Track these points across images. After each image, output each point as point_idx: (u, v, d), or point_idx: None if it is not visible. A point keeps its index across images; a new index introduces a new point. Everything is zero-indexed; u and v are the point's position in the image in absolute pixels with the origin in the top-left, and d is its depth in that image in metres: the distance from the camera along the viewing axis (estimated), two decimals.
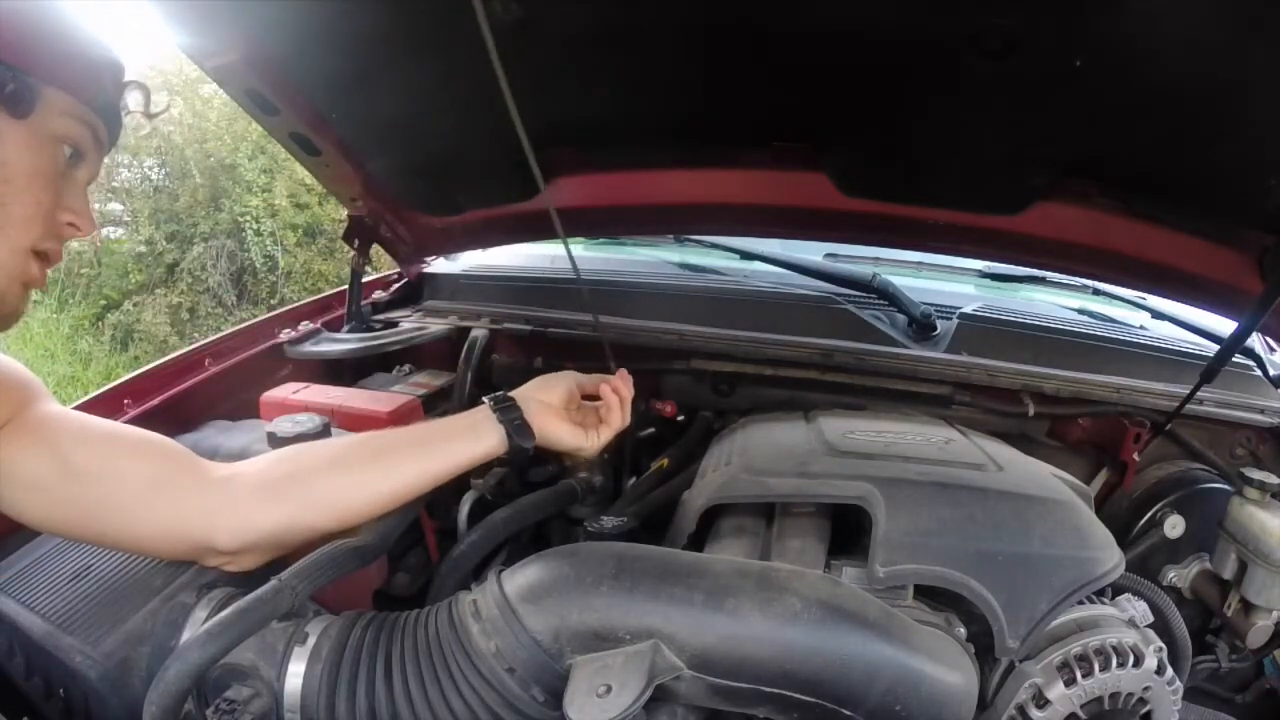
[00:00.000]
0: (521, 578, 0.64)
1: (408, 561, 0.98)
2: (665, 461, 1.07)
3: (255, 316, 1.43)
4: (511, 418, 0.79)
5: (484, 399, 0.81)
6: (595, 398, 0.87)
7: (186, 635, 0.64)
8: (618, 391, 0.85)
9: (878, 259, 1.53)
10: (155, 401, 1.05)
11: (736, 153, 1.16)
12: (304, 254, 6.46)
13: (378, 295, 1.50)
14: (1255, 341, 1.29)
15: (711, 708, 0.61)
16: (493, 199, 1.33)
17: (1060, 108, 0.86)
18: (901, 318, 1.28)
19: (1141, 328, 1.38)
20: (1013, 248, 1.15)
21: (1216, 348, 1.06)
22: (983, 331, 1.23)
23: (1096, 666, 0.69)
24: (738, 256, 1.46)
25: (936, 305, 1.29)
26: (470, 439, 0.78)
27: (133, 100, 0.73)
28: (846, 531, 0.78)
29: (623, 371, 0.87)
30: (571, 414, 0.84)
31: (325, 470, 0.73)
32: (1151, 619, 0.77)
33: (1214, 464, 1.13)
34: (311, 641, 0.62)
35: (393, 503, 0.74)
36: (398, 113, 1.13)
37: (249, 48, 0.98)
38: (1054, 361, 1.17)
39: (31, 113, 0.62)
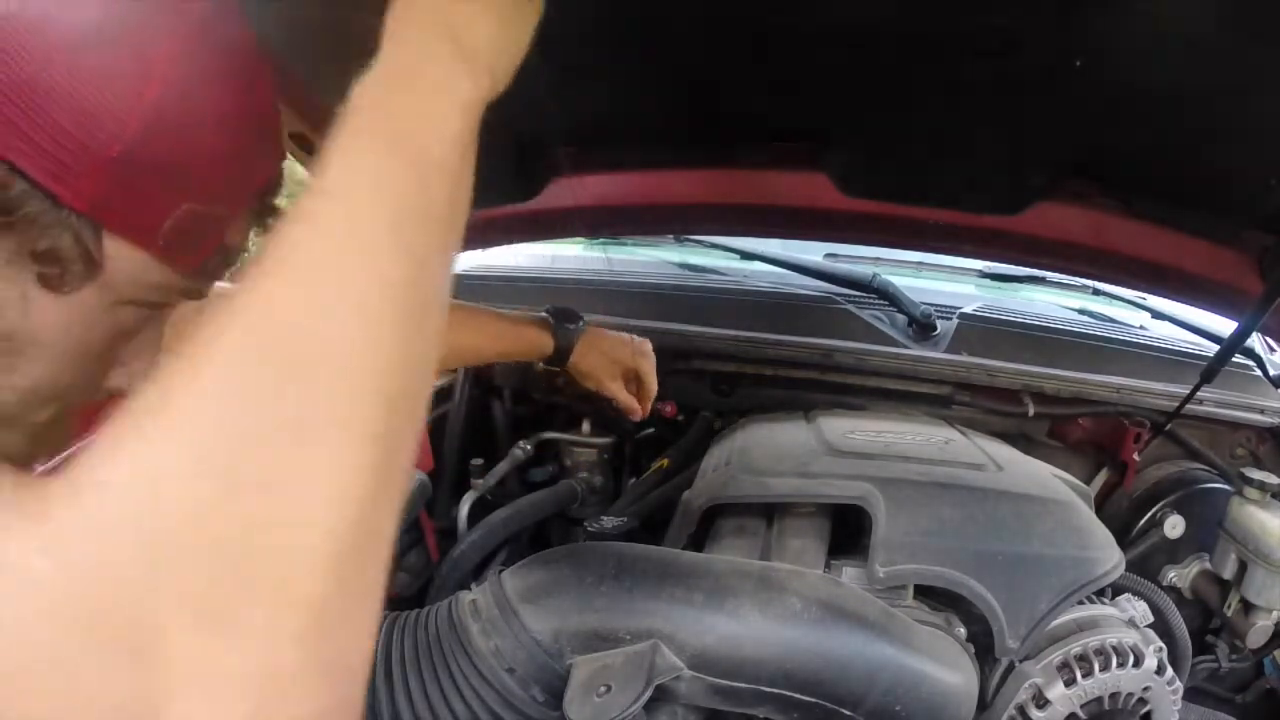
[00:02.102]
0: (521, 578, 0.64)
1: (408, 561, 0.98)
2: (665, 461, 1.07)
3: None
4: (568, 335, 0.93)
5: (546, 312, 0.95)
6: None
7: None
8: (647, 357, 1.00)
9: (878, 259, 1.53)
10: None
11: (736, 153, 1.16)
12: None
13: None
14: (1255, 341, 1.29)
15: (711, 708, 0.61)
16: (493, 199, 1.33)
17: (1060, 108, 0.85)
18: (901, 318, 1.28)
19: (1141, 328, 1.38)
20: (1013, 248, 1.15)
21: (1216, 348, 1.06)
22: (983, 331, 1.23)
23: (1096, 666, 0.69)
24: (738, 256, 1.46)
25: (936, 305, 1.29)
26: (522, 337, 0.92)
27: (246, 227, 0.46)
28: (846, 531, 0.78)
29: (645, 341, 1.01)
30: (626, 376, 0.99)
31: None
32: (1151, 619, 0.77)
33: (1214, 464, 1.13)
34: None
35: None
36: None
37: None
38: (1054, 361, 1.17)
39: (82, 288, 0.37)
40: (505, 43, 0.44)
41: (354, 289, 0.30)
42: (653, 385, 1.01)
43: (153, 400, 0.27)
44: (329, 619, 0.26)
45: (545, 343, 0.94)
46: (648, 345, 1.01)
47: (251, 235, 0.45)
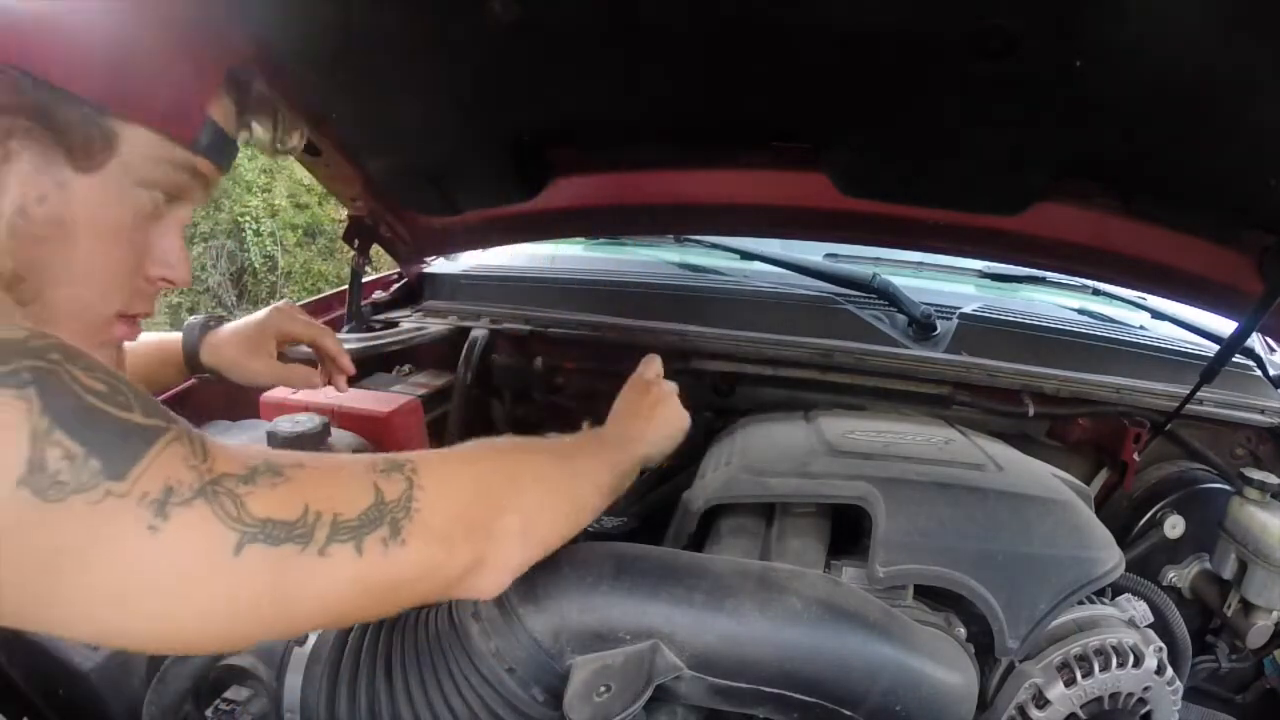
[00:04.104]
0: (521, 578, 0.63)
1: None
2: (665, 461, 1.07)
3: None
4: (190, 335, 0.90)
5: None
6: None
7: None
8: (291, 318, 0.95)
9: (878, 259, 1.53)
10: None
11: (736, 153, 1.16)
12: (304, 254, 6.47)
13: (378, 295, 1.50)
14: (1255, 341, 1.29)
15: (711, 708, 0.61)
16: (493, 199, 1.33)
17: (1060, 108, 0.86)
18: (901, 318, 1.28)
19: (1141, 328, 1.38)
20: (1012, 248, 1.15)
21: (1216, 348, 1.06)
22: (983, 331, 1.23)
23: (1096, 667, 0.69)
24: (738, 256, 1.46)
25: (936, 305, 1.29)
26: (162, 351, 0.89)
27: (259, 129, 0.61)
28: (846, 531, 0.78)
29: (285, 303, 0.96)
30: (280, 344, 0.95)
31: None
32: (1151, 619, 0.77)
33: (1214, 464, 1.13)
34: (311, 642, 0.62)
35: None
36: (398, 113, 1.13)
37: (250, 48, 0.98)
38: (1054, 361, 1.17)
39: (105, 164, 0.50)
40: (662, 442, 0.78)
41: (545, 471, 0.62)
42: (323, 340, 0.94)
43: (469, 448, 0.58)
44: (537, 528, 0.58)
45: (175, 351, 0.88)
46: (288, 305, 0.94)
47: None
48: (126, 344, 0.60)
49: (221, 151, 0.57)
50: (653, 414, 0.78)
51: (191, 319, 0.91)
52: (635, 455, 0.73)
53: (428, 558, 0.48)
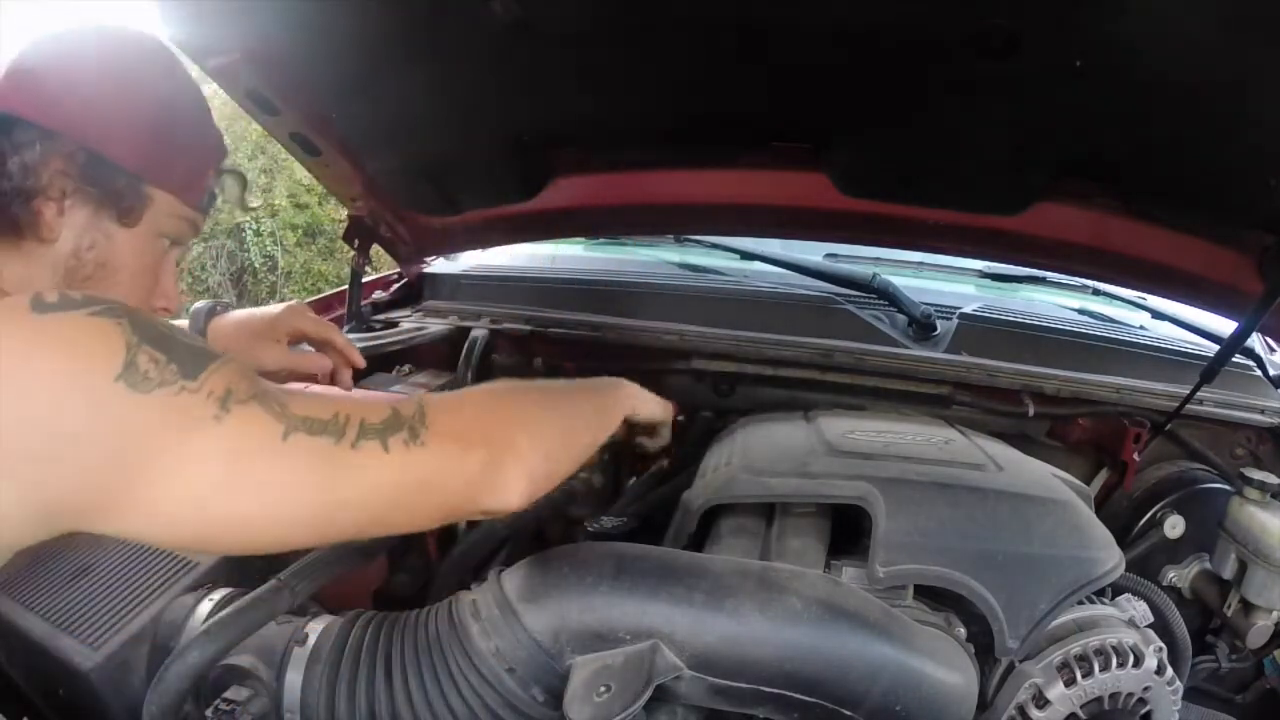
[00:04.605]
0: (521, 578, 0.64)
1: (408, 561, 0.98)
2: (665, 461, 1.07)
3: None
4: (196, 321, 0.93)
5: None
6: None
7: (186, 635, 0.64)
8: (299, 314, 0.98)
9: (878, 259, 1.53)
10: None
11: (736, 153, 1.16)
12: (304, 254, 6.46)
13: (378, 295, 1.50)
14: (1255, 341, 1.29)
15: (711, 708, 0.61)
16: (493, 199, 1.33)
17: (1060, 108, 0.86)
18: (901, 318, 1.28)
19: (1141, 328, 1.38)
20: (1013, 248, 1.15)
21: (1216, 348, 1.06)
22: (983, 331, 1.23)
23: (1096, 667, 0.69)
24: (738, 256, 1.46)
25: (936, 305, 1.29)
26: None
27: (230, 188, 0.77)
28: (846, 531, 0.78)
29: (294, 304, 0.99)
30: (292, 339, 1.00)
31: None
32: (1151, 619, 0.77)
33: (1214, 464, 1.13)
34: (311, 642, 0.62)
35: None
36: (398, 113, 1.13)
37: (250, 47, 0.98)
38: (1054, 361, 1.17)
39: (141, 220, 0.65)
40: (648, 400, 0.82)
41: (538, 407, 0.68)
42: (333, 336, 0.96)
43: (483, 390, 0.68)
44: (545, 445, 0.62)
45: None
46: (300, 304, 0.97)
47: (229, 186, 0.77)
48: None
49: (210, 206, 0.74)
50: (636, 384, 0.83)
51: (198, 305, 0.93)
52: (620, 400, 0.78)
53: (445, 455, 0.55)
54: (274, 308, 0.97)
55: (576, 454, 0.68)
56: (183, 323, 0.93)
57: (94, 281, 0.64)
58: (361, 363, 1.00)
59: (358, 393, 0.53)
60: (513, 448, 0.59)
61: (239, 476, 0.47)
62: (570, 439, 0.68)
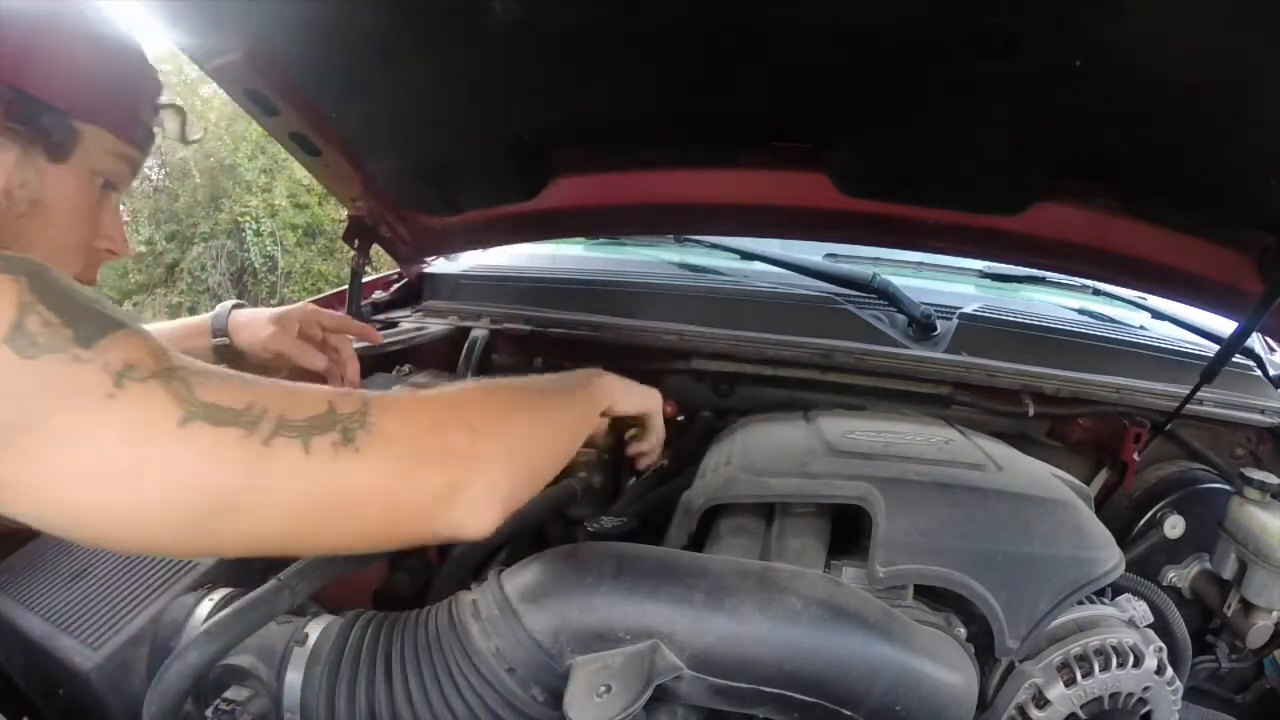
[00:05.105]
0: (521, 578, 0.64)
1: (408, 561, 0.98)
2: (665, 461, 1.07)
3: None
4: (219, 316, 0.98)
5: None
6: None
7: (186, 635, 0.64)
8: (311, 313, 1.02)
9: (878, 259, 1.53)
10: None
11: (736, 153, 1.16)
12: (304, 254, 6.47)
13: (378, 295, 1.50)
14: (1255, 341, 1.29)
15: (711, 708, 0.61)
16: (493, 199, 1.33)
17: (1060, 108, 0.86)
18: (901, 318, 1.28)
19: (1141, 328, 1.38)
20: (1012, 248, 1.15)
21: (1216, 348, 1.06)
22: (983, 331, 1.23)
23: (1096, 667, 0.69)
24: (738, 256, 1.46)
25: (936, 305, 1.29)
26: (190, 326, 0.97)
27: (169, 123, 0.76)
28: (846, 531, 0.78)
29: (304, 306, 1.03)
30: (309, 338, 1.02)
31: None
32: (1151, 619, 0.77)
33: (1214, 464, 1.13)
34: (311, 642, 0.62)
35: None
36: (398, 113, 1.13)
37: (250, 48, 0.98)
38: (1054, 361, 1.17)
39: (71, 156, 0.64)
40: (627, 390, 0.79)
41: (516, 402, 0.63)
42: (346, 323, 1.00)
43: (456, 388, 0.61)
44: (521, 453, 0.58)
45: (203, 324, 0.97)
46: (309, 306, 1.00)
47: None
48: (154, 325, 0.74)
49: (148, 142, 0.73)
50: (614, 374, 0.80)
51: (222, 304, 1.01)
52: (597, 394, 0.75)
53: (386, 467, 0.48)
54: (292, 305, 1.02)
55: (555, 460, 0.63)
56: (203, 315, 0.99)
57: (28, 220, 0.63)
58: (379, 338, 1.05)
59: (307, 386, 0.50)
60: (481, 459, 0.52)
61: (119, 462, 0.41)
62: (550, 445, 0.62)
